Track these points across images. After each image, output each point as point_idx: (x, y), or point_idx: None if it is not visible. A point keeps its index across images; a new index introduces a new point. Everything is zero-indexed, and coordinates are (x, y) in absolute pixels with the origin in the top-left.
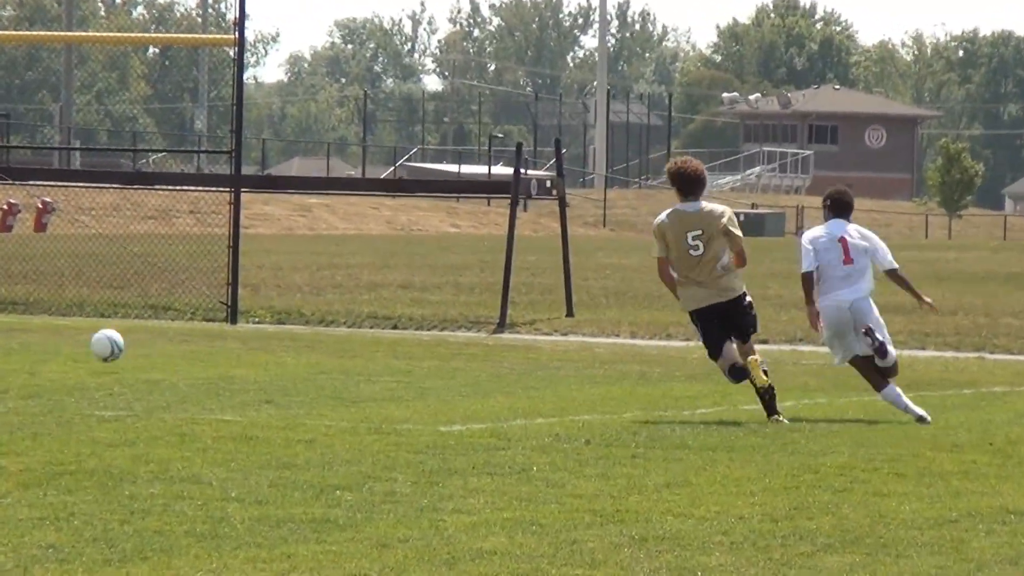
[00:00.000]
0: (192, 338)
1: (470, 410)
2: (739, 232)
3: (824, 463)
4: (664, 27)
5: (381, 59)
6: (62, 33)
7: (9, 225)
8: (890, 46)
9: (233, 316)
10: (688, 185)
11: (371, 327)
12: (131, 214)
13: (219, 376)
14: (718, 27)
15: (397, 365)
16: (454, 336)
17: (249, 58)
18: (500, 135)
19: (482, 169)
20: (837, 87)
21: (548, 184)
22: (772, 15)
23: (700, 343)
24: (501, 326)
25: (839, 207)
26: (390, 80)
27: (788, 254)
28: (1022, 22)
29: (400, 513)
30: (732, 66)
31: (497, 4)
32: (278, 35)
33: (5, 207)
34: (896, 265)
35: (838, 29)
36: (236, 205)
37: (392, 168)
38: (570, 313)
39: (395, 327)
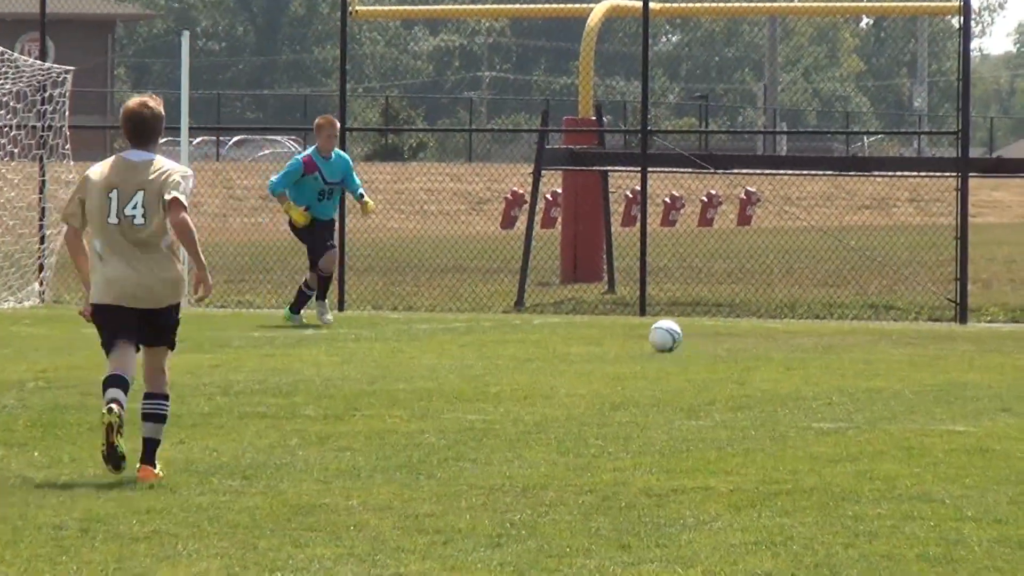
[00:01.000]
0: (917, 340)
1: None
2: None
3: None
4: None
5: None
6: (765, 4)
7: (710, 219)
8: None
9: (962, 315)
10: None
11: None
12: (844, 204)
13: (949, 382)
14: None
15: None
16: None
17: (974, 27)
18: None
19: None
20: None
21: None
22: None
23: None
24: None
25: None
26: None
27: None
28: None
29: None
30: None
31: None
32: (1005, 2)
33: (705, 199)
34: None
35: None
36: (963, 192)
37: None
38: None
39: None
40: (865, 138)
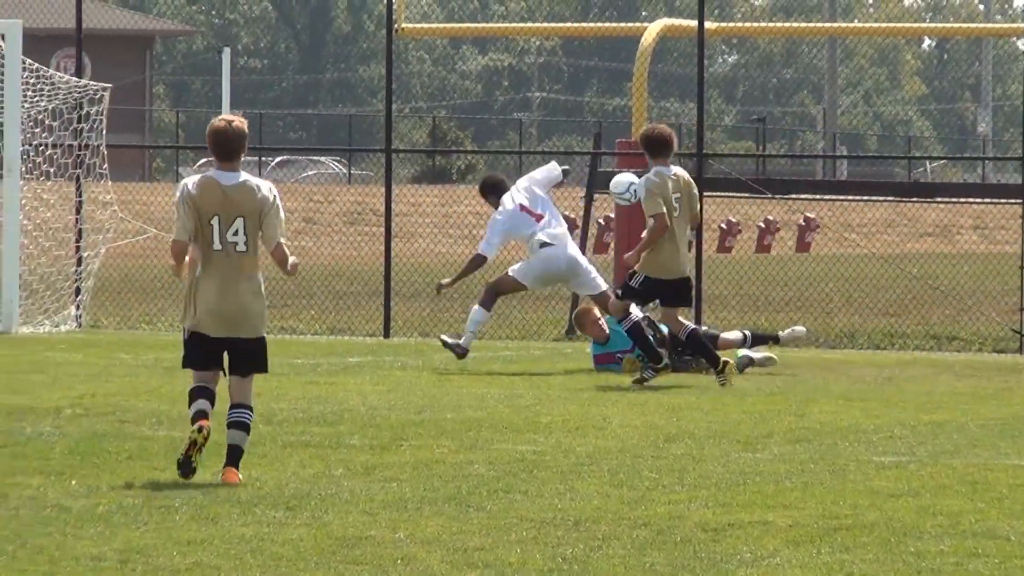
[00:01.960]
0: (981, 372)
1: None
2: None
3: None
4: None
5: None
6: (824, 24)
7: (768, 245)
8: None
9: None
10: None
11: None
12: (906, 230)
13: (1014, 415)
14: None
15: None
16: None
17: None
18: None
19: None
20: None
21: None
22: None
23: None
24: None
25: None
26: None
27: None
28: None
29: None
30: None
31: None
32: None
33: (762, 225)
34: None
35: None
36: None
37: None
38: None
39: None
40: (928, 163)
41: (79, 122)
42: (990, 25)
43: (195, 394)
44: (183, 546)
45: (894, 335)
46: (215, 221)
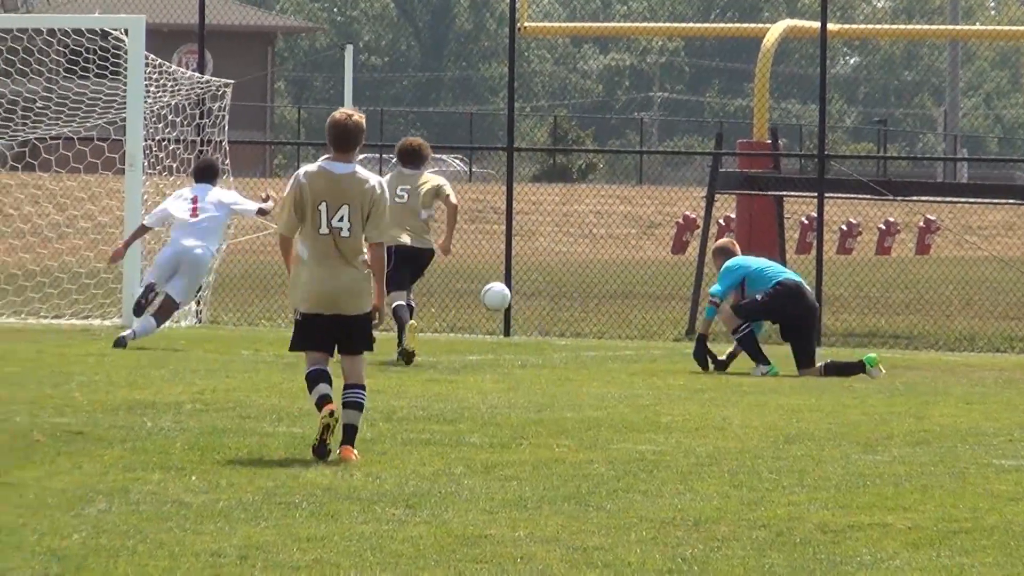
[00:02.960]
0: None
1: None
2: None
3: None
4: None
5: None
6: (946, 27)
7: (888, 247)
8: None
9: None
10: None
11: None
12: None
13: None
14: None
15: None
16: None
17: None
18: None
19: None
20: None
21: None
22: None
23: None
24: None
25: None
26: None
27: None
28: None
29: None
30: None
31: None
32: None
33: (882, 226)
34: None
35: None
36: None
37: None
38: None
39: None
40: None
41: (201, 118)
42: None
43: (313, 379)
44: (303, 543)
45: (1014, 338)
46: (322, 207)
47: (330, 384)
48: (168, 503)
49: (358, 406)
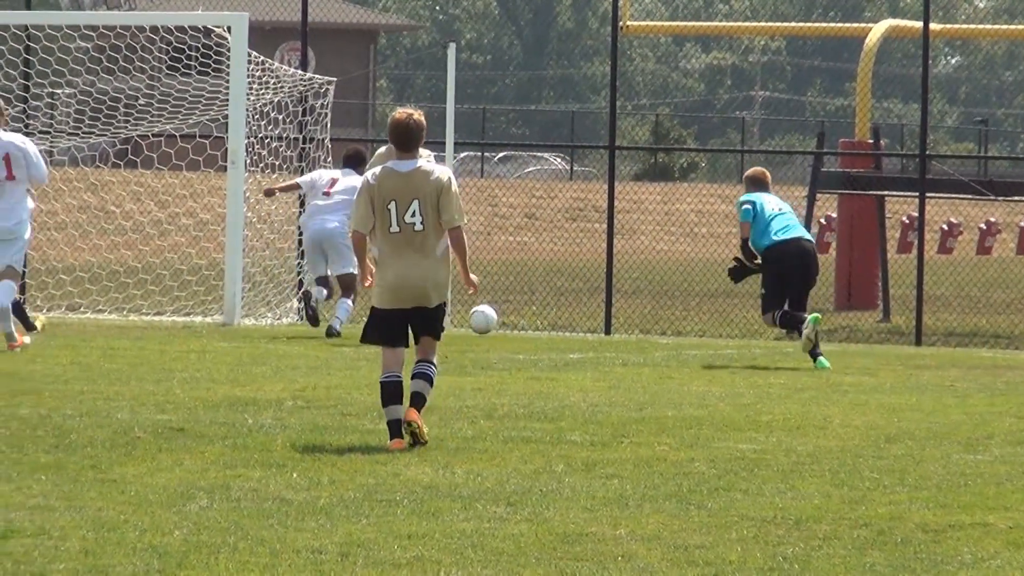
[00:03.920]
0: None
1: None
2: None
3: None
4: None
5: None
6: None
7: (989, 247)
8: None
9: None
10: None
11: None
12: None
13: None
14: None
15: None
16: None
17: None
18: None
19: None
20: None
21: None
22: None
23: None
24: None
25: None
26: None
27: None
28: None
29: None
30: None
31: None
32: None
33: (983, 226)
34: None
35: None
36: None
37: None
38: None
39: None
40: None
41: (303, 115)
42: None
43: (387, 393)
44: (403, 540)
45: None
46: (392, 206)
47: (401, 399)
48: (269, 500)
49: (427, 378)
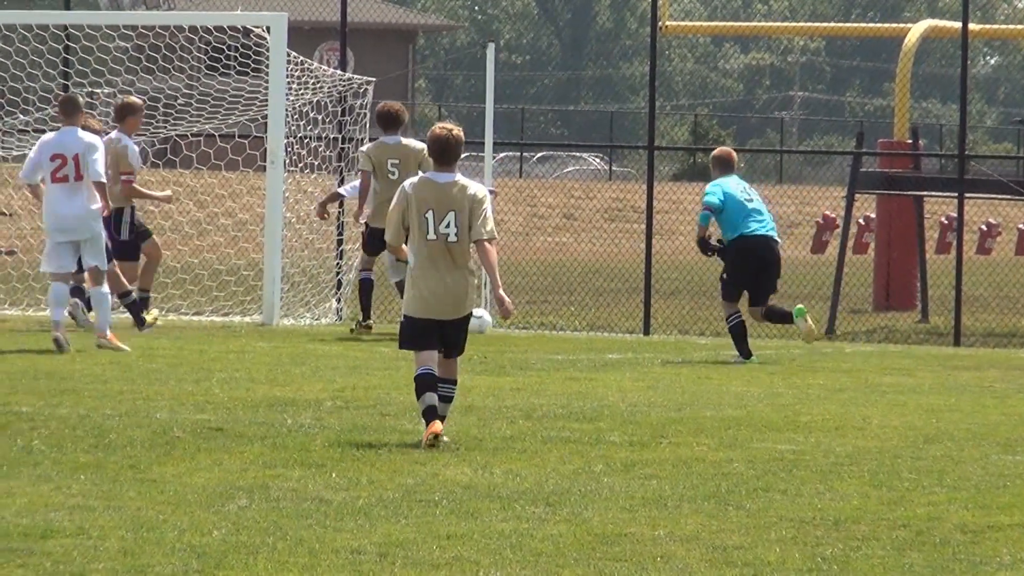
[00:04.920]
0: None
1: None
2: None
3: None
4: None
5: None
6: None
7: None
8: None
9: None
10: None
11: None
12: None
13: None
14: None
15: None
16: None
17: None
18: None
19: None
20: None
21: None
22: None
23: None
24: None
25: None
26: None
27: None
28: None
29: None
30: None
31: None
32: None
33: (1022, 226)
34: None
35: None
36: None
37: None
38: None
39: None
40: None
41: (342, 115)
42: None
43: (422, 384)
44: (443, 540)
45: None
46: (429, 215)
47: (437, 389)
48: (308, 500)
49: (448, 399)
